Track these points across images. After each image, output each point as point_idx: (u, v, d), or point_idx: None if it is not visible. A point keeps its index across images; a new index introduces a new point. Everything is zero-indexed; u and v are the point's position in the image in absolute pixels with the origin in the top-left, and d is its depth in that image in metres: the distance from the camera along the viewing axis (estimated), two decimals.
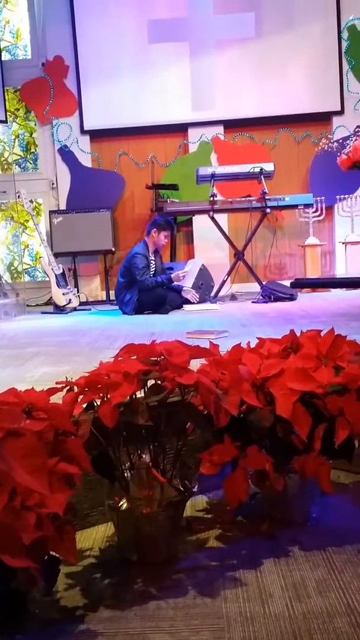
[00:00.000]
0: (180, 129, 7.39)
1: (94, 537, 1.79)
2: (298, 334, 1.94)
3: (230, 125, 7.36)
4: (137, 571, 1.58)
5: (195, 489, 1.73)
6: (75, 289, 6.65)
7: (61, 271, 6.36)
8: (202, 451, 1.69)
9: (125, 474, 1.68)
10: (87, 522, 1.85)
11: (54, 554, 1.30)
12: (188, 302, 5.83)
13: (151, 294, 5.59)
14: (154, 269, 5.84)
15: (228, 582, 1.49)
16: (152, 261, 5.83)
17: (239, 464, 1.67)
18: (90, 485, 1.78)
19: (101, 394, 1.59)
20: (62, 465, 1.31)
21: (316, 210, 6.90)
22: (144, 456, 1.71)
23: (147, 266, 5.72)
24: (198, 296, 5.86)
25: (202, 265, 6.60)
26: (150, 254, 5.81)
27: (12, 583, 1.18)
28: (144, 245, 5.80)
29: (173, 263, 6.70)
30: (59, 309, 6.19)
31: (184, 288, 5.81)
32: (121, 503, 1.64)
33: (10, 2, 7.61)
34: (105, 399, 1.58)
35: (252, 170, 6.33)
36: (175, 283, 5.75)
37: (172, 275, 5.73)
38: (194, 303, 5.78)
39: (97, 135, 7.42)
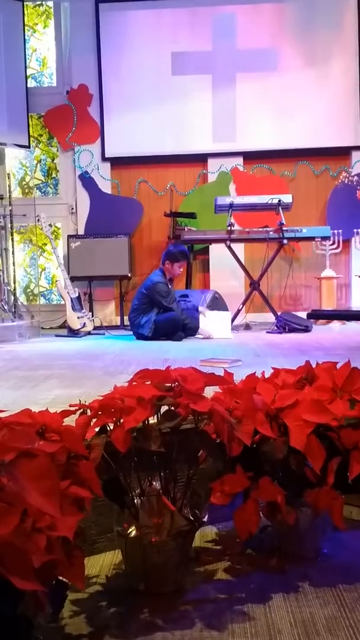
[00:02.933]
0: (200, 159, 7.48)
1: (101, 564, 1.77)
2: (313, 366, 1.93)
3: (250, 156, 7.43)
4: (143, 601, 1.56)
5: (205, 519, 1.71)
6: (90, 313, 6.67)
7: (77, 295, 6.39)
8: (213, 480, 1.68)
9: (135, 501, 1.66)
10: (95, 548, 1.83)
11: (62, 578, 1.28)
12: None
13: (168, 318, 5.59)
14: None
15: (236, 616, 1.47)
16: (170, 290, 5.84)
17: (250, 495, 1.65)
18: (99, 511, 1.77)
19: (114, 418, 1.58)
20: (74, 489, 1.30)
21: (333, 243, 6.91)
22: (154, 483, 1.69)
23: (169, 293, 5.73)
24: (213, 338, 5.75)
25: (217, 293, 6.62)
26: (167, 282, 5.83)
27: (18, 607, 1.16)
28: (161, 274, 5.81)
29: (188, 290, 6.72)
30: (73, 333, 6.21)
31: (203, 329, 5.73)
32: (130, 530, 1.62)
33: (38, 31, 7.80)
34: (118, 423, 1.57)
35: (270, 202, 6.37)
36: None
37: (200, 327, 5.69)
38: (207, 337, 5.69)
39: (117, 163, 7.52)
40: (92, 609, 1.52)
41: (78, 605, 1.53)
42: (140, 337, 5.68)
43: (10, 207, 6.74)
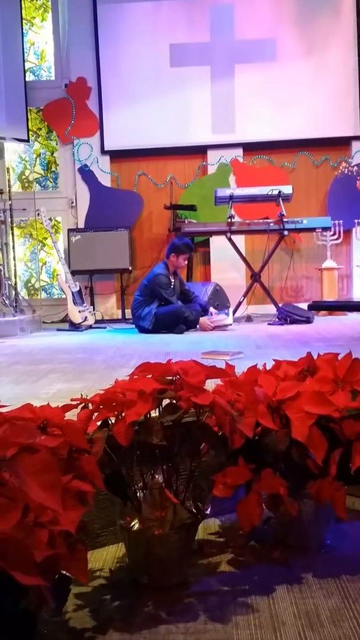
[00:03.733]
0: (199, 150, 7.45)
1: (104, 558, 1.77)
2: (315, 357, 1.93)
3: (250, 148, 7.40)
4: (147, 594, 1.56)
5: (207, 512, 1.71)
6: (91, 307, 6.67)
7: (78, 289, 6.39)
8: (215, 473, 1.67)
9: (138, 494, 1.66)
10: (98, 542, 1.83)
11: (65, 572, 1.29)
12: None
13: (169, 310, 5.60)
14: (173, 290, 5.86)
15: (239, 608, 1.47)
16: (172, 283, 5.84)
17: (253, 487, 1.65)
18: (101, 505, 1.77)
19: (116, 412, 1.58)
20: (76, 483, 1.30)
21: (334, 234, 6.89)
22: (156, 476, 1.69)
23: (170, 286, 5.75)
24: (212, 327, 5.75)
25: (218, 286, 6.61)
26: (170, 276, 5.83)
27: (22, 602, 1.16)
28: (164, 266, 5.82)
29: (189, 284, 6.71)
30: (75, 327, 6.21)
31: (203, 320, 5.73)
32: (133, 523, 1.62)
33: (36, 25, 7.76)
34: (120, 417, 1.57)
35: (270, 193, 6.34)
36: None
37: (200, 320, 5.66)
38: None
39: (117, 156, 7.49)
40: (96, 603, 1.52)
41: (82, 598, 1.53)
42: (142, 329, 5.69)
43: (10, 202, 6.72)
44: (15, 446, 1.16)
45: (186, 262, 6.01)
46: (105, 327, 6.28)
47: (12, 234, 6.80)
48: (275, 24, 7.24)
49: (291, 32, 7.24)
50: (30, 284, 7.85)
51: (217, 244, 7.09)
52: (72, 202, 7.60)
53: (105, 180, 7.50)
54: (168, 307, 5.64)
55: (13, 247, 6.80)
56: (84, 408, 1.65)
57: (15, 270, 6.88)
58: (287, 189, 6.39)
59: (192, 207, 7.14)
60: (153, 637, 1.37)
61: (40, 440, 1.26)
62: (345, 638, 1.33)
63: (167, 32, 7.28)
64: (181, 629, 1.39)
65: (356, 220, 6.97)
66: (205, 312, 5.83)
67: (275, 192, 6.31)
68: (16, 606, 1.14)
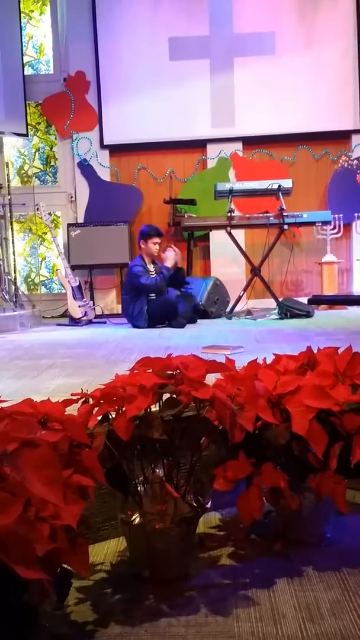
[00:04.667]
0: (199, 144, 7.44)
1: (105, 552, 1.78)
2: (315, 351, 1.93)
3: (249, 141, 7.39)
4: (148, 587, 1.57)
5: (208, 506, 1.71)
6: (91, 302, 6.67)
7: (77, 284, 6.39)
8: (216, 467, 1.68)
9: (139, 488, 1.67)
10: (99, 536, 1.84)
11: (66, 566, 1.29)
12: (205, 315, 5.83)
13: (159, 303, 5.58)
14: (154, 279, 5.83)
15: (240, 601, 1.47)
16: (151, 272, 5.80)
17: (253, 481, 1.66)
18: (102, 499, 1.77)
19: (116, 407, 1.58)
20: (77, 477, 1.31)
21: (334, 228, 6.88)
22: (157, 470, 1.69)
23: (146, 272, 5.72)
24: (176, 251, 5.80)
25: (218, 280, 6.62)
26: (148, 265, 5.80)
27: (23, 596, 1.17)
28: (139, 258, 5.82)
29: (189, 278, 6.71)
30: (75, 322, 6.21)
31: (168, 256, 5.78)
32: (134, 517, 1.63)
33: (34, 18, 7.73)
34: (120, 411, 1.57)
35: (270, 187, 6.34)
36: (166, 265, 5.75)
37: (166, 263, 5.73)
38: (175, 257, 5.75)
39: (116, 150, 7.48)
40: (98, 596, 1.53)
41: (83, 592, 1.54)
42: (138, 327, 5.65)
43: (9, 196, 6.71)
44: (16, 441, 1.17)
45: (158, 247, 5.84)
46: (105, 322, 6.29)
47: (12, 228, 6.79)
48: (274, 16, 7.22)
49: (290, 25, 7.22)
50: (30, 279, 7.85)
51: (217, 238, 7.09)
52: (72, 197, 7.59)
53: (104, 174, 7.49)
54: (157, 300, 5.61)
55: (12, 242, 6.79)
56: (85, 403, 1.65)
57: (15, 265, 6.88)
58: (287, 183, 6.38)
59: (191, 202, 7.14)
60: (154, 630, 1.37)
61: (41, 435, 1.26)
62: (346, 630, 1.34)
63: (166, 25, 7.26)
64: (182, 622, 1.40)
65: (356, 214, 6.97)
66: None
67: (275, 186, 6.30)
68: (18, 600, 1.15)
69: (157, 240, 5.80)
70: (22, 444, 1.16)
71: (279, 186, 6.30)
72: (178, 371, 1.64)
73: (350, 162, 6.92)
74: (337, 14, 7.20)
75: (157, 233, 5.83)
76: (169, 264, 5.75)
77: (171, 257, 5.77)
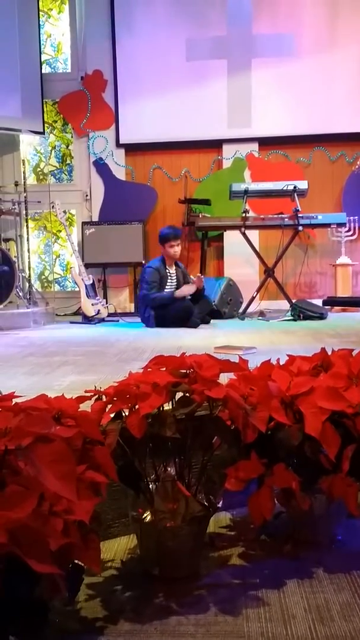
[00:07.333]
0: (214, 145, 7.43)
1: (115, 549, 1.78)
2: (329, 353, 1.92)
3: (265, 142, 7.37)
4: (158, 585, 1.57)
5: (219, 505, 1.71)
6: (104, 300, 6.68)
7: (91, 282, 6.40)
8: (228, 467, 1.68)
9: (150, 486, 1.67)
10: (110, 533, 1.84)
11: (78, 562, 1.30)
12: (218, 315, 5.80)
13: (176, 308, 5.48)
14: (175, 282, 5.78)
15: (250, 601, 1.47)
16: (171, 275, 5.78)
17: (265, 481, 1.65)
18: (114, 496, 1.78)
19: (130, 404, 1.59)
20: (90, 474, 1.31)
21: (349, 230, 6.86)
22: (169, 469, 1.70)
23: (157, 281, 5.62)
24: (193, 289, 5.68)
25: (231, 280, 6.61)
26: (168, 268, 5.77)
27: (35, 590, 1.18)
28: (160, 259, 5.76)
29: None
30: (88, 319, 6.23)
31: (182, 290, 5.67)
32: (145, 515, 1.63)
33: (53, 17, 7.76)
34: (133, 409, 1.58)
35: (285, 188, 6.32)
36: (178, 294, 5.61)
37: (176, 293, 5.59)
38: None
39: (132, 149, 7.49)
40: (107, 593, 1.54)
41: (93, 589, 1.55)
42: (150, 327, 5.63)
43: (25, 194, 6.74)
44: (31, 435, 1.17)
45: (177, 249, 5.76)
46: (117, 321, 6.30)
47: (27, 226, 6.82)
48: (292, 18, 7.19)
49: (309, 26, 7.18)
50: (43, 277, 7.88)
51: (231, 238, 7.07)
52: (87, 195, 7.61)
53: (119, 173, 7.51)
54: (175, 305, 5.48)
55: (27, 240, 6.82)
56: (98, 400, 1.66)
57: (29, 262, 6.90)
58: (302, 184, 6.36)
59: (206, 202, 7.13)
60: (164, 628, 1.38)
61: (56, 431, 1.27)
62: (356, 632, 1.33)
63: (184, 25, 7.26)
64: (192, 621, 1.40)
65: None
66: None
67: (291, 187, 6.28)
68: (30, 594, 1.15)
69: (173, 243, 5.73)
70: (37, 439, 1.17)
71: (295, 187, 6.28)
72: (192, 370, 1.65)
73: None
74: (356, 17, 7.15)
75: (174, 236, 5.74)
76: (189, 291, 5.63)
77: (191, 289, 5.64)
